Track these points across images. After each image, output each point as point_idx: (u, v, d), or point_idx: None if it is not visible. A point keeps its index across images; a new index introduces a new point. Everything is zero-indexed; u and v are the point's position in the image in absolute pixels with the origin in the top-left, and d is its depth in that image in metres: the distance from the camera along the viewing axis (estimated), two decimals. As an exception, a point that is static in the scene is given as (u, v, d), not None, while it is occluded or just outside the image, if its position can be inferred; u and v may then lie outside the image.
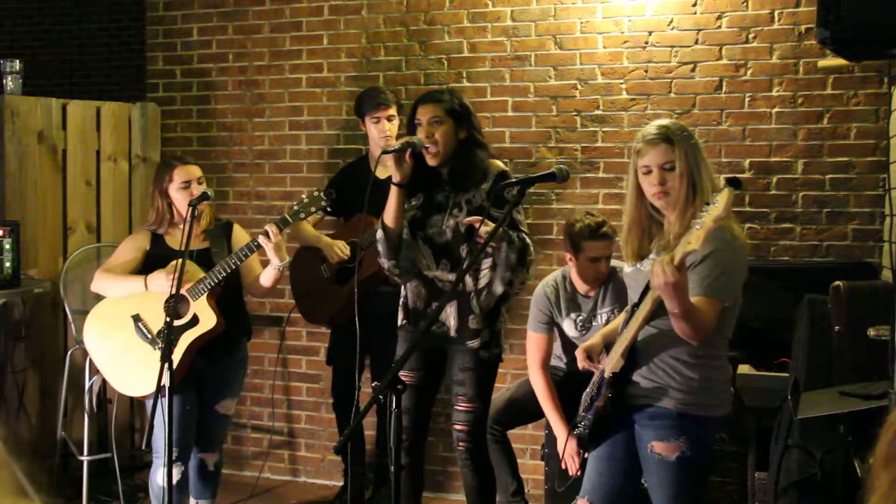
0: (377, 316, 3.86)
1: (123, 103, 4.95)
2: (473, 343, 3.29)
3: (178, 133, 5.06)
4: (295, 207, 3.46)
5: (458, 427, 3.37)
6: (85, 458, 4.20)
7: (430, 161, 3.26)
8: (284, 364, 4.90)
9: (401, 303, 3.45)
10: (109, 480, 4.55)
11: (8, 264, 4.16)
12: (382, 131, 4.14)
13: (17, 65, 4.57)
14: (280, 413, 4.91)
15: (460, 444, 3.38)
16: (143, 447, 3.79)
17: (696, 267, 2.49)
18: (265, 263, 3.56)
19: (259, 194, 4.91)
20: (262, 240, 3.41)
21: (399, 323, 3.45)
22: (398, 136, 4.06)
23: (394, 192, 3.27)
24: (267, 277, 3.57)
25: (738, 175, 2.39)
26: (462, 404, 3.35)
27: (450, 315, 3.31)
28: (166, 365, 3.03)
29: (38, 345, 4.56)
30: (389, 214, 3.29)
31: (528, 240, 3.25)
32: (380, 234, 3.32)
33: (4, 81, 4.55)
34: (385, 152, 3.22)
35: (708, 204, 2.26)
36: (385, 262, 3.36)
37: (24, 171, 4.53)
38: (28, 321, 4.52)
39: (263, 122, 4.89)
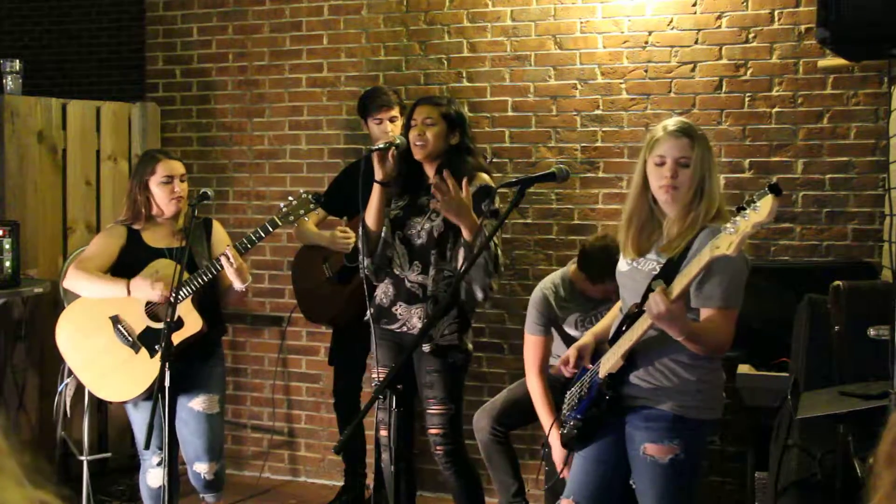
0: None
1: (123, 103, 4.95)
2: (426, 347, 3.33)
3: (177, 133, 5.06)
4: (284, 210, 3.41)
5: (433, 431, 3.41)
6: (85, 458, 4.19)
7: (417, 154, 3.37)
8: (284, 364, 4.90)
9: (371, 298, 3.50)
10: (109, 480, 4.56)
11: (8, 264, 4.16)
12: (385, 132, 4.14)
13: (17, 65, 4.56)
14: (280, 413, 4.91)
15: (438, 448, 3.41)
16: (143, 447, 3.78)
17: (703, 278, 2.45)
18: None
19: (259, 194, 4.91)
20: (223, 262, 3.31)
21: (366, 318, 3.47)
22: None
23: (376, 190, 3.34)
24: (231, 296, 3.50)
25: (777, 183, 2.27)
26: (434, 407, 3.39)
27: (413, 315, 3.37)
28: (165, 367, 3.04)
29: (38, 345, 4.56)
30: (371, 213, 3.36)
31: (497, 251, 3.29)
32: (361, 230, 3.38)
33: (4, 81, 4.54)
34: (370, 150, 3.31)
35: (743, 209, 2.18)
36: (364, 260, 3.41)
37: (23, 171, 4.53)
38: (28, 321, 4.51)
39: (263, 122, 4.88)
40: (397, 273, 3.42)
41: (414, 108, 3.45)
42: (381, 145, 3.29)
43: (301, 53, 4.79)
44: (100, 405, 4.62)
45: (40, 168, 4.58)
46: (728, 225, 2.21)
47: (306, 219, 3.88)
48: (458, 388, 3.45)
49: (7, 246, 4.16)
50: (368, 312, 3.48)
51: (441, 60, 4.53)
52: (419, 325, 3.32)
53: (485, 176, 3.43)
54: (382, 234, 3.40)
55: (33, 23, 6.89)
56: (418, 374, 3.42)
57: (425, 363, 3.38)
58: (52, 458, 4.41)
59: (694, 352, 2.50)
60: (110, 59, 6.70)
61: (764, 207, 2.14)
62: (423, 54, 4.56)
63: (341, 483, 4.46)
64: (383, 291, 3.46)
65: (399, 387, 2.42)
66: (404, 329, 3.40)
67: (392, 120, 4.15)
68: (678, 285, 2.35)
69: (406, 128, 3.44)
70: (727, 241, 2.20)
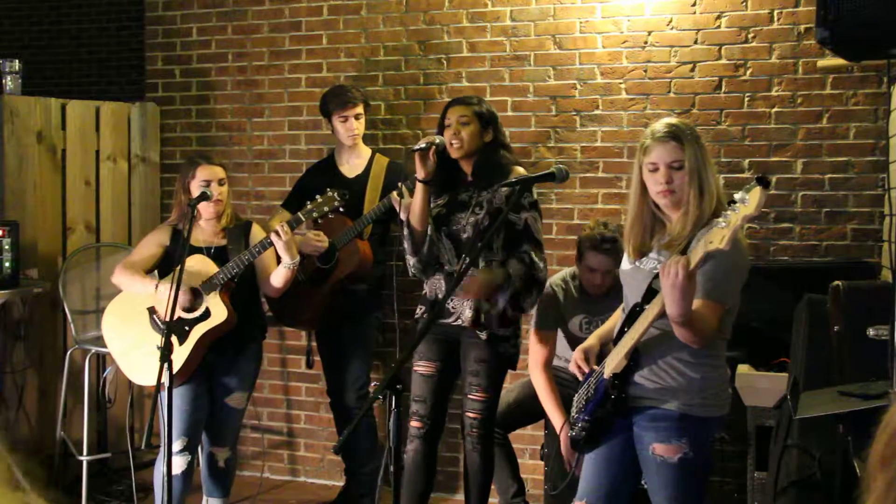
0: (352, 314, 3.91)
1: (123, 103, 4.95)
2: (483, 335, 3.39)
3: (177, 133, 5.06)
4: (308, 206, 3.57)
5: (471, 415, 3.47)
6: (84, 458, 4.19)
7: (454, 154, 3.44)
8: (284, 364, 4.90)
9: (422, 296, 3.58)
10: (109, 480, 4.56)
11: (7, 264, 4.16)
12: (350, 129, 4.14)
13: (16, 65, 4.56)
14: (279, 413, 4.91)
15: (473, 430, 3.47)
16: (143, 447, 3.79)
17: (699, 269, 2.46)
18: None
19: (258, 194, 4.91)
20: (273, 237, 3.52)
21: (416, 315, 3.59)
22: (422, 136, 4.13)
23: (419, 189, 3.41)
24: (278, 277, 3.63)
25: (766, 175, 2.26)
26: (475, 394, 3.45)
27: (465, 307, 3.41)
28: (167, 361, 3.10)
29: (37, 345, 4.56)
30: (416, 211, 3.43)
31: (533, 257, 3.35)
32: (406, 231, 3.47)
33: (4, 81, 4.54)
34: (411, 150, 3.40)
35: (733, 202, 2.19)
36: (410, 259, 3.50)
37: (23, 171, 4.52)
38: (27, 321, 4.51)
39: (263, 122, 4.88)
40: (447, 269, 3.47)
41: (446, 109, 3.51)
42: (422, 145, 3.36)
43: (300, 53, 4.79)
44: (99, 405, 4.62)
45: (40, 168, 4.58)
46: (720, 219, 2.21)
47: (314, 220, 3.89)
48: (500, 379, 3.52)
49: (7, 246, 4.16)
50: (418, 310, 3.56)
51: (441, 60, 4.53)
52: (470, 315, 3.38)
53: (520, 170, 3.49)
54: (429, 233, 3.44)
55: (33, 23, 6.89)
56: (465, 360, 3.48)
57: (475, 352, 3.43)
58: (51, 458, 4.41)
59: (695, 349, 2.50)
60: (110, 59, 6.69)
61: (752, 200, 2.15)
62: (423, 54, 4.56)
63: (341, 483, 4.46)
64: (436, 287, 3.51)
65: (399, 386, 2.41)
66: (459, 322, 3.44)
67: (357, 117, 4.15)
68: (693, 258, 2.29)
69: (440, 128, 3.49)
70: (719, 234, 2.20)
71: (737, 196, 2.19)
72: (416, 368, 3.55)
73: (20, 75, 4.57)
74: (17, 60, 4.60)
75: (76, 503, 4.18)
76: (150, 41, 5.10)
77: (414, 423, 3.50)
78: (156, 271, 3.69)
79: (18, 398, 4.47)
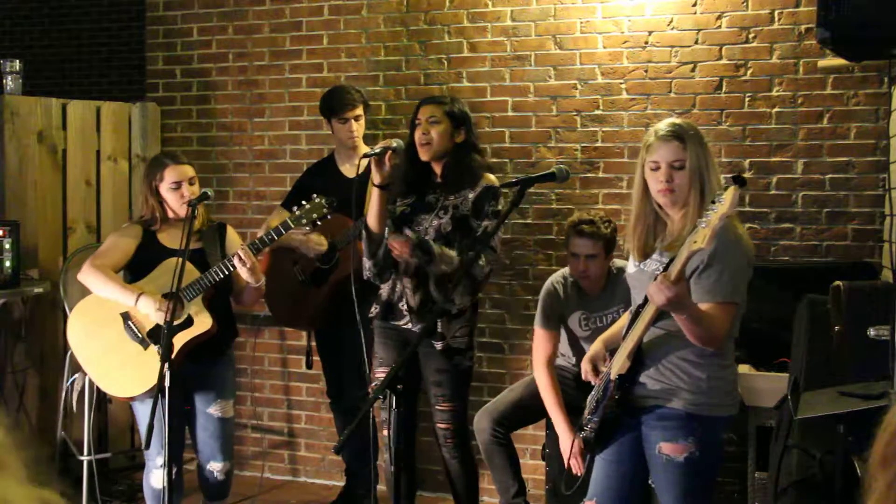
0: (352, 314, 3.90)
1: (123, 103, 4.95)
2: (439, 345, 3.39)
3: (177, 133, 5.06)
4: (297, 212, 3.42)
5: (442, 426, 3.50)
6: (85, 458, 4.19)
7: (423, 156, 3.40)
8: (284, 364, 4.90)
9: (378, 296, 3.55)
10: (109, 480, 4.56)
11: (8, 264, 4.17)
12: (350, 131, 4.12)
13: (17, 65, 4.57)
14: (280, 413, 4.91)
15: (447, 440, 3.50)
16: (144, 447, 3.78)
17: (702, 272, 2.48)
18: None
19: (259, 194, 4.91)
20: (236, 262, 3.35)
21: (371, 314, 3.55)
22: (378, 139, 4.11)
23: (375, 193, 3.34)
24: (247, 296, 3.56)
25: (741, 173, 2.36)
26: (443, 404, 3.47)
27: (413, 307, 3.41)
28: (165, 366, 3.04)
29: (38, 345, 4.56)
30: (372, 216, 3.37)
31: (479, 257, 3.30)
32: (364, 233, 3.42)
33: (4, 81, 4.54)
34: (365, 156, 3.25)
35: (713, 202, 2.25)
36: (366, 262, 3.44)
37: (23, 171, 4.53)
38: (28, 321, 4.51)
39: (263, 122, 4.88)
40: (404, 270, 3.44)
41: (418, 108, 3.47)
42: (377, 150, 3.23)
43: (301, 53, 4.78)
44: (100, 405, 4.62)
45: (40, 168, 4.58)
46: (702, 219, 2.27)
47: (309, 222, 3.86)
48: (465, 387, 3.54)
49: (7, 246, 4.16)
50: (374, 309, 3.51)
51: (441, 60, 4.53)
52: (416, 304, 3.38)
53: (491, 177, 3.47)
54: (385, 236, 3.40)
55: (33, 23, 6.90)
56: (425, 371, 3.47)
57: (434, 362, 3.42)
58: (52, 458, 4.41)
59: (700, 348, 2.51)
60: (110, 59, 6.70)
61: (727, 199, 2.22)
62: (423, 54, 4.56)
63: (342, 483, 4.46)
64: (390, 287, 3.49)
65: (399, 386, 2.41)
66: (409, 325, 3.42)
67: (357, 119, 4.14)
68: (674, 269, 2.34)
69: (411, 128, 3.46)
70: (702, 234, 2.25)
71: (716, 196, 2.27)
72: (377, 375, 3.53)
73: (21, 75, 4.57)
74: (17, 60, 4.60)
75: (76, 503, 4.18)
76: (151, 41, 5.09)
77: (385, 433, 3.44)
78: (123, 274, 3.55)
79: (19, 398, 4.48)
